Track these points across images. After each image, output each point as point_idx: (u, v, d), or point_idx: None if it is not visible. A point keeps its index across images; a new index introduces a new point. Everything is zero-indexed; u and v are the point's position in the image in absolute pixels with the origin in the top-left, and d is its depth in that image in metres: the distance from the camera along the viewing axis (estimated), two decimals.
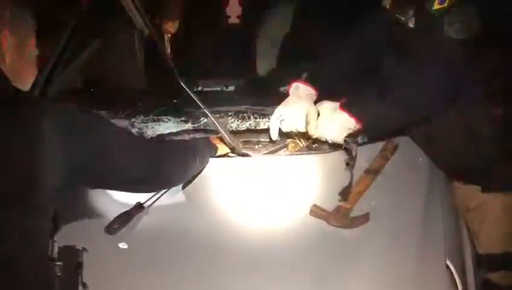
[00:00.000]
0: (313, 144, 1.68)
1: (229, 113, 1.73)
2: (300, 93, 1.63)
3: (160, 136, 1.62)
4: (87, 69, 2.29)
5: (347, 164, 1.49)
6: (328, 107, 1.54)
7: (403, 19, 1.53)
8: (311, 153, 1.64)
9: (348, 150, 1.55)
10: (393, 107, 1.42)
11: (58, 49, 2.12)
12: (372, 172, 1.49)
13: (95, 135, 1.12)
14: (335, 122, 1.47)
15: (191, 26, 2.44)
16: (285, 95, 1.66)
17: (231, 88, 1.98)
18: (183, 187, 1.52)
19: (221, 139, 1.60)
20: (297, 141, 1.71)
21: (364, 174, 1.49)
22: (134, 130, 1.80)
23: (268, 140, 1.69)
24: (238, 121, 1.70)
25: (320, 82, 1.67)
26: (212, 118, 1.53)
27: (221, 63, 2.16)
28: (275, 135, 1.63)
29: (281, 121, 1.60)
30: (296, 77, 1.70)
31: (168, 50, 2.84)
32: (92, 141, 1.11)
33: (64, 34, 2.17)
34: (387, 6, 1.63)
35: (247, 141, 1.70)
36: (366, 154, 1.55)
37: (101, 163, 1.14)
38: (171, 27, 3.41)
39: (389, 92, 1.42)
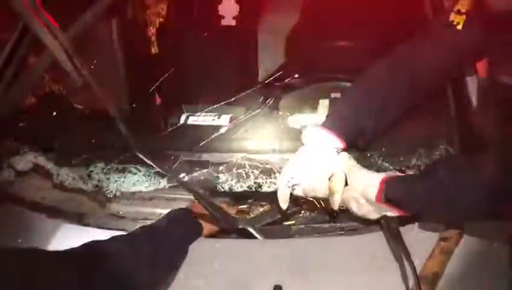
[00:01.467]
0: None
1: (220, 168, 1.22)
2: (316, 142, 1.13)
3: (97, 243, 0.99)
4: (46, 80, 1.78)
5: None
6: (360, 176, 1.07)
7: None
8: (335, 234, 1.14)
9: (386, 229, 1.07)
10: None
11: (6, 49, 1.54)
12: (430, 281, 0.99)
13: None
14: (365, 207, 1.05)
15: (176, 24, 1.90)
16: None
17: (225, 118, 1.46)
18: None
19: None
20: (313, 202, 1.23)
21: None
22: (91, 183, 1.32)
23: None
24: (232, 180, 1.20)
25: (351, 120, 1.16)
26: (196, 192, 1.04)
27: (212, 79, 1.64)
28: (284, 204, 1.14)
29: (292, 186, 1.11)
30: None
31: (155, 47, 2.34)
32: None
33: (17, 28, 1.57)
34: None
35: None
36: (416, 244, 1.05)
37: None
38: (160, 10, 2.88)
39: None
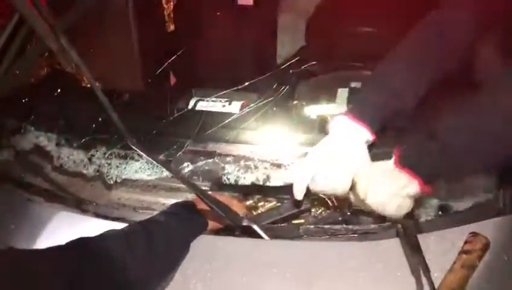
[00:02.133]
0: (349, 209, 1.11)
1: (227, 159, 1.14)
2: (345, 133, 1.03)
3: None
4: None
5: None
6: (379, 166, 0.99)
7: None
8: (347, 238, 1.05)
9: (403, 235, 0.97)
10: None
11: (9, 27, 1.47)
12: None
13: None
14: (384, 188, 0.95)
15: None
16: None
17: (236, 105, 1.36)
18: None
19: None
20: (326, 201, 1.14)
21: None
22: (92, 168, 1.25)
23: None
24: (239, 170, 1.12)
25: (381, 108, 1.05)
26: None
27: (227, 63, 1.54)
28: (300, 196, 1.05)
29: (312, 180, 1.02)
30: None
31: (171, 27, 2.23)
32: None
33: None
34: None
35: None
36: (435, 255, 0.95)
37: None
38: None
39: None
